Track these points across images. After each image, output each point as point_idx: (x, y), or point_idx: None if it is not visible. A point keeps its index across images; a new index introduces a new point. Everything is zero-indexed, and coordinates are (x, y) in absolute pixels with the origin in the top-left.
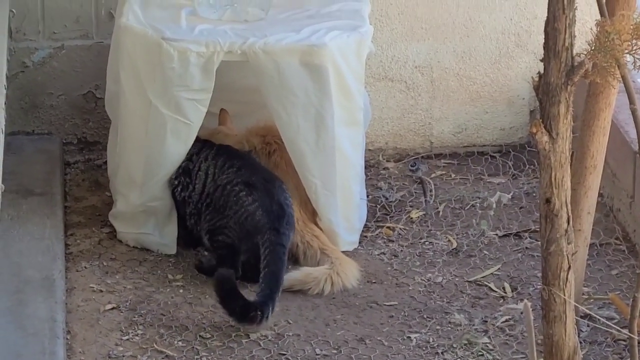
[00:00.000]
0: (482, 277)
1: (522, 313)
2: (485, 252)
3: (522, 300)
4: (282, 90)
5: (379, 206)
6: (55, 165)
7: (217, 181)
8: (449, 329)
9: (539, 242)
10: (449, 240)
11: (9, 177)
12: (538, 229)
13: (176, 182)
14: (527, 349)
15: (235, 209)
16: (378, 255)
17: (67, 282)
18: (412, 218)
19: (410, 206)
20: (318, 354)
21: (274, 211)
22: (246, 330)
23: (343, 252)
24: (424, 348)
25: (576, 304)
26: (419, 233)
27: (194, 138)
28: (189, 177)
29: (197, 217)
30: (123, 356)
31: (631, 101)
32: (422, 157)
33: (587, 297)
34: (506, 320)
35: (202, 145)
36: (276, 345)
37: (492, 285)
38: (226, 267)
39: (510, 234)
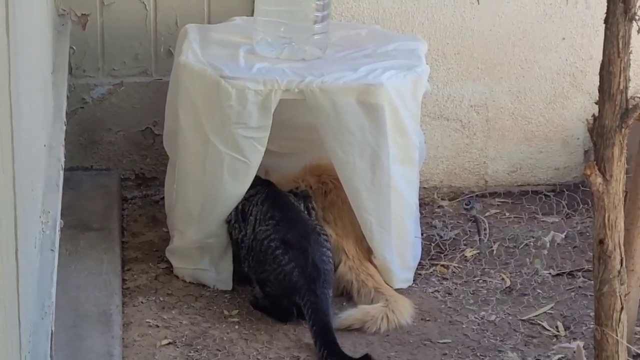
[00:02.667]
0: (535, 315)
1: (574, 352)
2: (538, 290)
3: (575, 339)
4: (339, 129)
5: (433, 244)
6: (113, 200)
7: (256, 234)
8: None
9: (592, 282)
10: (503, 279)
11: (67, 212)
12: (591, 269)
13: (234, 224)
14: None
15: (273, 266)
16: (432, 293)
17: (124, 316)
18: (466, 256)
19: (465, 244)
20: None
21: (309, 273)
22: None
23: (397, 289)
24: None
25: (628, 345)
26: (472, 271)
27: (252, 177)
28: (244, 220)
29: (249, 263)
30: None
31: None
32: (477, 195)
33: (639, 337)
34: (559, 359)
35: (258, 188)
36: None
37: (545, 324)
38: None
39: (564, 273)
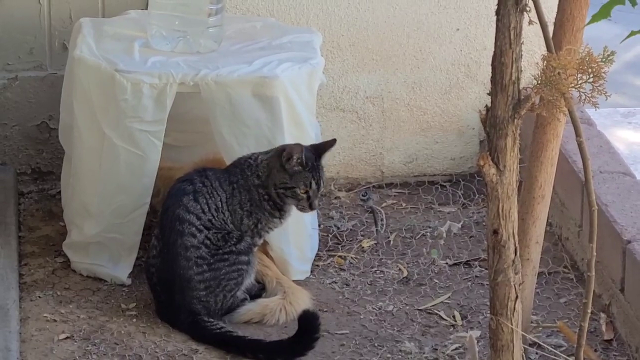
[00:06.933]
0: (433, 305)
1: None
2: (435, 280)
3: (472, 328)
4: (235, 122)
5: (330, 235)
6: (9, 195)
7: None
8: (400, 357)
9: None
10: (400, 269)
11: None
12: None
13: None
14: None
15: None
16: (330, 284)
17: (21, 311)
18: (363, 247)
19: (362, 235)
20: None
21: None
22: (205, 358)
23: (295, 281)
24: None
25: (524, 333)
26: (370, 262)
27: (150, 170)
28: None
29: None
30: None
31: (577, 134)
32: (373, 186)
33: (535, 325)
34: (456, 349)
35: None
36: None
37: (442, 314)
38: None
39: (460, 262)
